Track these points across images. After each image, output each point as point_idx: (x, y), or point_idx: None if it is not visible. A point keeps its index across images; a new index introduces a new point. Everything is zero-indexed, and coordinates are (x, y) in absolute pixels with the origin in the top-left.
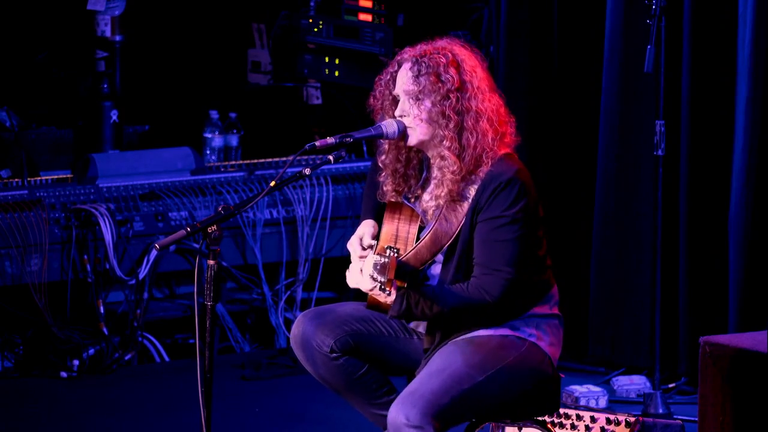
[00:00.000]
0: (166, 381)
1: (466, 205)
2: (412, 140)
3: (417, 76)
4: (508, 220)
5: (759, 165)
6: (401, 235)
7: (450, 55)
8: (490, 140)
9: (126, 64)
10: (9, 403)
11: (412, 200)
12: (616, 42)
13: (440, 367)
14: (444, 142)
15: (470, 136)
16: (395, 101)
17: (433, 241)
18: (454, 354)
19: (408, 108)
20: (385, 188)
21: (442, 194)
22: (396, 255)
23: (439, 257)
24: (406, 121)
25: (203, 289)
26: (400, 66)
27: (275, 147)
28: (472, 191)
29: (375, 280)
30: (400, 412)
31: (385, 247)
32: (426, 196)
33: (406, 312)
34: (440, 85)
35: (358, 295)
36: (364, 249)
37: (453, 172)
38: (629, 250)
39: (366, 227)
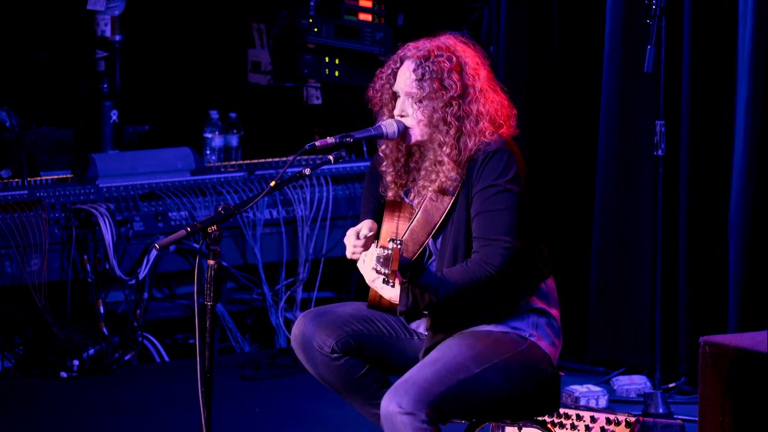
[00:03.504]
0: (166, 381)
1: (456, 187)
2: (411, 140)
3: (420, 80)
4: (500, 188)
5: (759, 165)
6: (401, 233)
7: (454, 58)
8: (487, 135)
9: (126, 64)
10: (9, 403)
11: (413, 195)
12: (616, 42)
13: (435, 357)
14: (444, 148)
15: (468, 139)
16: (394, 96)
17: (425, 219)
18: (451, 346)
19: (409, 110)
20: (386, 179)
21: (431, 187)
22: (399, 247)
23: (433, 246)
24: (407, 121)
25: (203, 289)
26: (402, 62)
27: (275, 147)
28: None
29: (379, 272)
30: (392, 400)
31: (388, 239)
32: (418, 186)
33: (414, 304)
34: (443, 92)
35: (358, 295)
36: (359, 239)
37: (449, 177)
38: (629, 250)
39: (365, 224)
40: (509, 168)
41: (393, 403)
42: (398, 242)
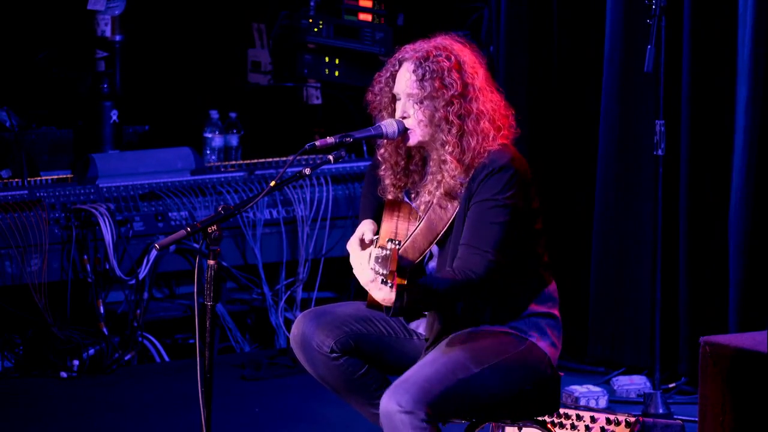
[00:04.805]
0: (166, 381)
1: (460, 194)
2: (413, 141)
3: (421, 80)
4: (497, 203)
5: (759, 165)
6: (400, 232)
7: (452, 57)
8: (490, 138)
9: (126, 64)
10: (9, 403)
11: (413, 196)
12: (616, 42)
13: (435, 356)
14: (446, 147)
15: (470, 139)
16: (394, 99)
17: (428, 228)
18: (451, 345)
19: (410, 111)
20: (384, 182)
21: (438, 192)
22: (397, 247)
23: (436, 250)
24: (408, 122)
25: (203, 289)
26: (400, 65)
27: (275, 147)
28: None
29: (377, 273)
30: (392, 399)
31: (387, 240)
32: (423, 191)
33: (407, 307)
34: (444, 90)
35: (358, 295)
36: (364, 246)
37: (453, 177)
38: (629, 250)
39: (365, 226)
40: (511, 186)
41: (392, 402)
42: (397, 242)
